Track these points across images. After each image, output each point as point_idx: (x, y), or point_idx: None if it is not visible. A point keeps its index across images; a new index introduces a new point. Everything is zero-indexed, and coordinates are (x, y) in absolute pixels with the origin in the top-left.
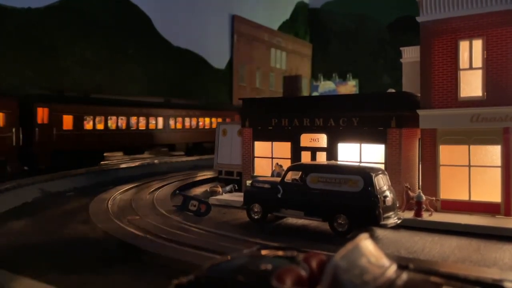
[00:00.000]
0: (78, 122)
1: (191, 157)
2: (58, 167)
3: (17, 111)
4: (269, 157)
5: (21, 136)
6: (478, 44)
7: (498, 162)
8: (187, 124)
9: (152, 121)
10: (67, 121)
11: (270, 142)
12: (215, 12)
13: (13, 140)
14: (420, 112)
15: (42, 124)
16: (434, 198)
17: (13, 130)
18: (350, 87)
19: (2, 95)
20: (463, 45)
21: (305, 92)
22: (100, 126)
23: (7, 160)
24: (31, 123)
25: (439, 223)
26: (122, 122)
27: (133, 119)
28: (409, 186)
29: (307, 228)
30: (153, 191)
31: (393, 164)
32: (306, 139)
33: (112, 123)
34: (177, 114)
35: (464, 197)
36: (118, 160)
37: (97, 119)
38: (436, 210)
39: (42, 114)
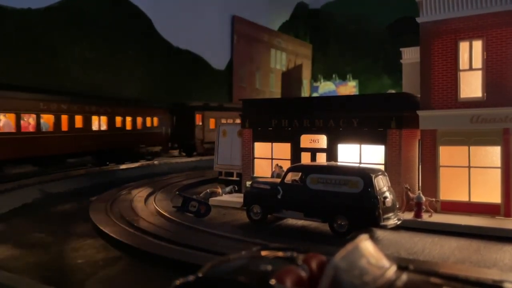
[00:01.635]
0: (217, 123)
1: (191, 158)
2: (206, 154)
3: (167, 116)
4: (269, 158)
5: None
6: (478, 45)
7: (498, 163)
8: None
9: None
10: (212, 123)
11: (270, 143)
12: (215, 12)
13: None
14: (420, 113)
15: (198, 125)
16: (434, 199)
17: (163, 128)
18: (350, 88)
19: (159, 107)
20: (463, 46)
21: (305, 93)
22: None
23: (162, 146)
24: (192, 124)
25: (439, 224)
26: None
27: None
28: (409, 187)
29: (307, 229)
30: (153, 191)
31: (393, 165)
32: (306, 140)
33: None
34: None
35: (464, 198)
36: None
37: (228, 121)
38: (436, 211)
39: (198, 118)
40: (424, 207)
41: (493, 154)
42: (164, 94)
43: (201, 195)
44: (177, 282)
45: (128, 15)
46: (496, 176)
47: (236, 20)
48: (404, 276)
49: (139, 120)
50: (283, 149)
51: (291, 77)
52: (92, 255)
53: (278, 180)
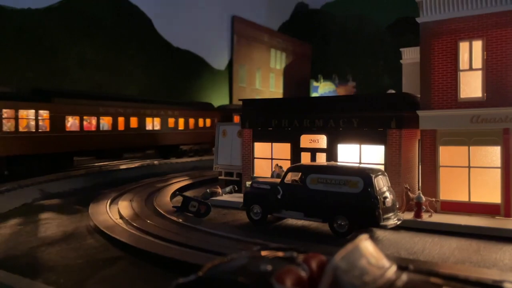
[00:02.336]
0: None
1: (192, 158)
2: None
3: (219, 118)
4: (269, 158)
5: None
6: (478, 45)
7: (498, 163)
8: None
9: None
10: None
11: (270, 143)
12: (215, 13)
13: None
14: (420, 113)
15: None
16: (434, 199)
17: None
18: (350, 88)
19: (213, 110)
20: (463, 46)
21: (305, 93)
22: None
23: (210, 145)
24: None
25: (439, 224)
26: None
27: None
28: (409, 187)
29: (307, 229)
30: (153, 192)
31: (393, 165)
32: (306, 140)
33: None
34: None
35: (464, 198)
36: None
37: None
38: (436, 211)
39: (236, 119)
40: (424, 207)
41: (493, 154)
42: (164, 94)
43: (201, 195)
44: (177, 282)
45: (128, 15)
46: (496, 176)
47: (236, 20)
48: (404, 276)
49: (191, 121)
50: (283, 149)
51: (291, 77)
52: (92, 255)
53: (278, 180)
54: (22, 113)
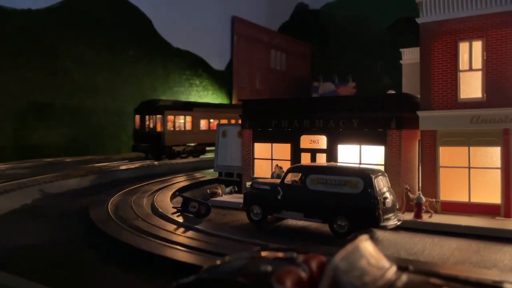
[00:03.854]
0: None
1: (192, 158)
2: None
3: None
4: (269, 159)
5: None
6: (478, 45)
7: (498, 163)
8: None
9: None
10: None
11: (270, 144)
12: (215, 13)
13: None
14: (420, 113)
15: None
16: (434, 200)
17: None
18: (350, 88)
19: None
20: (463, 47)
21: (305, 93)
22: None
23: None
24: None
25: (439, 225)
26: None
27: None
28: (409, 188)
29: (307, 230)
30: (153, 192)
31: (393, 165)
32: (306, 141)
33: None
34: None
35: (464, 198)
36: None
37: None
38: (436, 212)
39: None
40: (424, 207)
41: (493, 154)
42: (164, 94)
43: (201, 195)
44: (178, 282)
45: (128, 16)
46: (496, 177)
47: (236, 20)
48: (404, 277)
49: None
50: (283, 150)
51: (291, 78)
52: (92, 255)
53: (278, 180)
54: (177, 118)
